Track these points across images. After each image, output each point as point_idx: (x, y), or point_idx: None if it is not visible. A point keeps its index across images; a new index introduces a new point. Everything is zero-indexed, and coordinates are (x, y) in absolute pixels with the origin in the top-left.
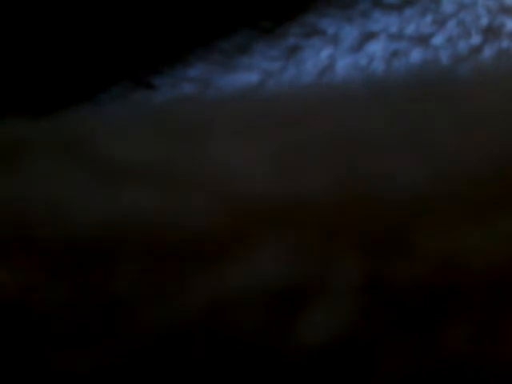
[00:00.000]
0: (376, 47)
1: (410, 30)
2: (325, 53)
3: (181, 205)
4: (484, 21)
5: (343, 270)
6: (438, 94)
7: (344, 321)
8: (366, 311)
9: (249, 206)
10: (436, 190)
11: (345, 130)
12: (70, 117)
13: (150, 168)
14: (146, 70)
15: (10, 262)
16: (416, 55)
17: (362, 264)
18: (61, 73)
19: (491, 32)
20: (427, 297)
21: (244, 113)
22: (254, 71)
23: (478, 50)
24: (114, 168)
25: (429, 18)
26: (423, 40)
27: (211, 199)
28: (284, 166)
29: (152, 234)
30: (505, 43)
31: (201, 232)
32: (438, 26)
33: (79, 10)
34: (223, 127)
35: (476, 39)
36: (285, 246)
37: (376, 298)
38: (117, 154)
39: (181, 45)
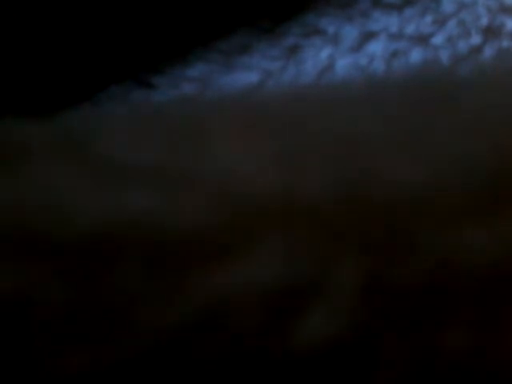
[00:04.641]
0: (376, 47)
1: (410, 29)
2: (325, 52)
3: (181, 205)
4: (484, 21)
5: (343, 270)
6: (438, 94)
7: (344, 321)
8: (365, 311)
9: (249, 205)
10: (436, 190)
11: (345, 130)
12: (70, 117)
13: (150, 168)
14: (145, 69)
15: (10, 262)
16: (416, 55)
17: (362, 264)
18: (60, 73)
19: (491, 32)
20: (427, 297)
21: (244, 113)
22: (253, 71)
23: (477, 49)
24: (114, 168)
25: (429, 18)
26: (423, 40)
27: (211, 199)
28: (284, 165)
29: (152, 234)
30: (505, 43)
31: (201, 232)
32: (438, 25)
33: (79, 10)
34: (223, 127)
35: (476, 39)
36: (285, 245)
37: (376, 297)
38: (117, 154)
39: (180, 44)
